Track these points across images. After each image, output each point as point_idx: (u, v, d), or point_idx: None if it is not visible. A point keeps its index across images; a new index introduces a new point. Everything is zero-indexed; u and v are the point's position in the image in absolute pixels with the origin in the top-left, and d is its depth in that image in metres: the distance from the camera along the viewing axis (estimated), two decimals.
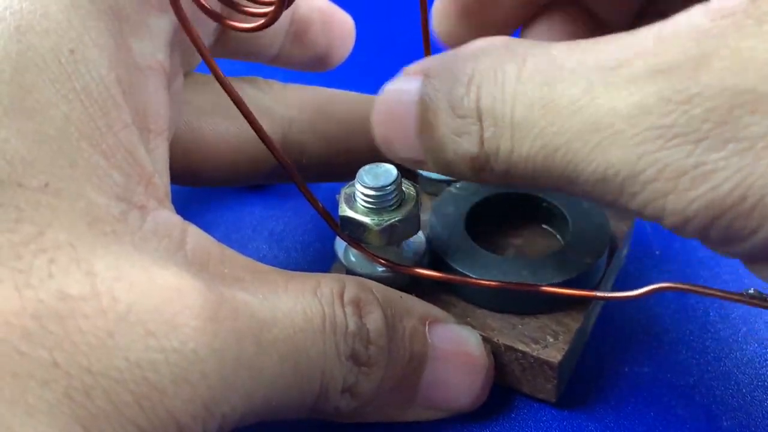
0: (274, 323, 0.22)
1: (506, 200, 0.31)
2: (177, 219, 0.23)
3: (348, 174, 0.33)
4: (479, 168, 0.22)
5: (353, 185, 0.27)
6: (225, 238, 0.36)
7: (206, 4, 0.22)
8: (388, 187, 0.27)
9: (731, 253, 0.20)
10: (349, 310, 0.24)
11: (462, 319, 0.27)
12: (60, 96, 0.21)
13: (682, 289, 0.24)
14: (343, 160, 0.32)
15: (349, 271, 0.29)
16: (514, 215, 0.31)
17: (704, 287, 0.23)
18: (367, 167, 0.27)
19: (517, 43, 0.22)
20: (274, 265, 0.25)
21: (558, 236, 0.31)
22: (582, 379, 0.29)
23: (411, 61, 0.25)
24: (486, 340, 0.27)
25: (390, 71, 0.25)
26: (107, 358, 0.19)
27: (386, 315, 0.25)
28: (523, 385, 0.27)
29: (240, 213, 0.37)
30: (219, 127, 0.30)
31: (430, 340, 0.26)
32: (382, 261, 0.27)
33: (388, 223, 0.27)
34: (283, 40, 0.32)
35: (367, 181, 0.27)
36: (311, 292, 0.23)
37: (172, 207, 0.23)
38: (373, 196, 0.27)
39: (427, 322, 0.26)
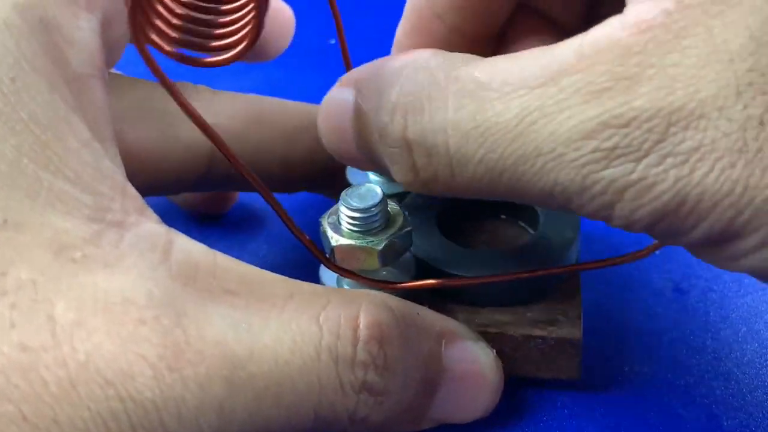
0: (250, 358, 0.21)
1: (462, 200, 0.31)
2: (161, 229, 0.22)
3: (284, 186, 0.33)
4: (419, 188, 0.23)
5: (336, 213, 0.27)
6: (223, 239, 0.36)
7: (167, 48, 0.21)
8: (376, 207, 0.26)
9: (675, 243, 0.21)
10: (365, 335, 0.22)
11: (470, 324, 0.27)
12: (7, 128, 0.21)
13: None
14: (278, 171, 0.31)
15: None
16: (473, 212, 0.31)
17: None
18: (348, 190, 0.26)
19: (441, 62, 0.22)
20: (273, 267, 0.24)
21: (519, 222, 0.31)
22: (581, 380, 0.28)
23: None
24: (501, 336, 0.27)
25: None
26: (71, 408, 0.19)
27: (405, 339, 0.23)
28: (543, 371, 0.27)
29: (239, 213, 0.37)
30: (141, 133, 0.29)
31: (444, 362, 0.25)
32: (402, 284, 0.26)
33: (387, 241, 0.26)
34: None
35: (354, 203, 0.26)
36: (312, 317, 0.22)
37: (155, 216, 0.22)
38: (361, 218, 0.26)
39: (443, 341, 0.25)
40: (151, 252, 0.21)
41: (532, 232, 0.29)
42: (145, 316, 0.20)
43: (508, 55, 0.21)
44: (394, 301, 0.24)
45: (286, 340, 0.21)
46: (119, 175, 0.22)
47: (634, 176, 0.19)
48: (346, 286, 0.28)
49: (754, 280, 0.21)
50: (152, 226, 0.22)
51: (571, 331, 0.27)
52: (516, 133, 0.20)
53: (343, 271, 0.27)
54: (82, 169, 0.21)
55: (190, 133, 0.29)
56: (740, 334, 0.30)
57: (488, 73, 0.21)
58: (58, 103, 0.21)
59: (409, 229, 0.27)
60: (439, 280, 0.27)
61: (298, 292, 0.23)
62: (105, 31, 0.25)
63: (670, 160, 0.19)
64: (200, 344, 0.20)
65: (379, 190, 0.26)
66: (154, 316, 0.20)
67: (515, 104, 0.20)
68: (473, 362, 0.26)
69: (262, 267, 0.23)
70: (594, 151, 0.20)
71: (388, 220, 0.27)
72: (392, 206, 0.27)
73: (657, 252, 0.33)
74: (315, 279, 0.28)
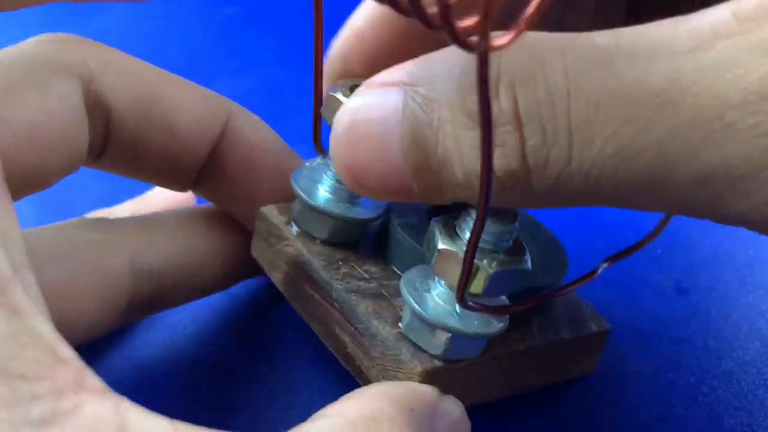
0: None
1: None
2: (107, 410, 0.15)
3: (168, 179, 0.27)
4: (511, 187, 0.18)
5: (468, 236, 0.21)
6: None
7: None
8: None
9: None
10: None
11: (517, 345, 0.24)
12: None
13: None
14: (159, 150, 0.26)
15: (458, 338, 0.22)
16: None
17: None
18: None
19: (541, 35, 0.18)
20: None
21: None
22: (583, 379, 0.28)
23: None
24: (535, 349, 0.25)
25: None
26: None
27: None
28: (568, 373, 0.27)
29: None
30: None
31: None
32: (523, 305, 0.23)
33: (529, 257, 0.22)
34: None
35: (507, 223, 0.22)
36: None
37: (97, 382, 0.15)
38: (509, 237, 0.22)
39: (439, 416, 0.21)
40: None
41: None
42: None
43: (628, 28, 0.18)
44: (393, 407, 0.19)
45: None
46: (45, 329, 0.15)
47: None
48: (476, 321, 0.22)
49: (755, 278, 0.21)
50: (95, 408, 0.15)
51: (599, 324, 0.26)
52: (665, 98, 0.16)
53: (484, 307, 0.22)
54: None
55: None
56: (742, 333, 0.30)
57: (612, 41, 0.17)
58: None
59: None
60: (537, 297, 0.24)
61: None
62: None
63: None
64: None
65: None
66: None
67: (661, 67, 0.17)
68: (458, 416, 0.22)
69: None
70: None
71: None
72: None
73: (658, 250, 0.34)
74: None
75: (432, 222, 0.22)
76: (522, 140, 0.18)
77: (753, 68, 0.16)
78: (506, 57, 0.18)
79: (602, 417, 0.27)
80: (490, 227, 0.21)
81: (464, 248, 0.21)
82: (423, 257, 0.23)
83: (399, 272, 0.25)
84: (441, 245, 0.21)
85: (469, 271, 0.20)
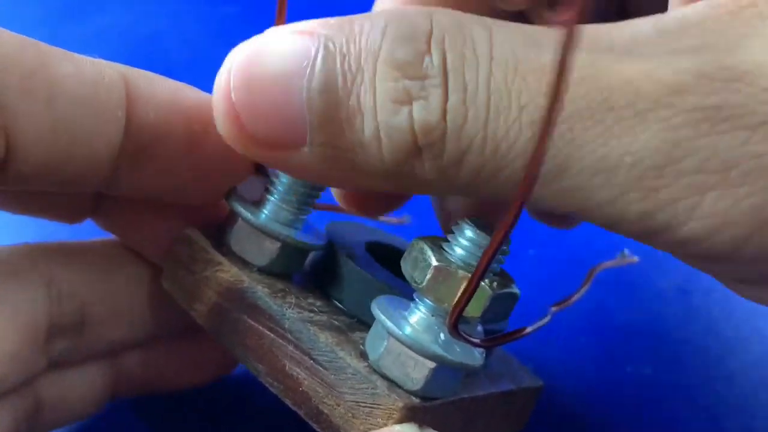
0: None
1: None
2: None
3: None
4: (422, 147, 0.17)
5: (467, 257, 0.19)
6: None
7: None
8: None
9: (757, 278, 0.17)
10: None
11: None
12: None
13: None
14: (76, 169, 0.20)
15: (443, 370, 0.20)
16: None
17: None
18: (463, 226, 0.20)
19: (470, 15, 0.18)
20: None
21: None
22: (584, 380, 0.28)
23: None
24: (477, 400, 0.22)
25: None
26: None
27: None
28: (504, 427, 0.25)
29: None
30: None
31: None
32: (524, 333, 0.20)
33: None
34: None
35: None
36: None
37: None
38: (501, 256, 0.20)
39: None
40: None
41: None
42: None
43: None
44: None
45: None
46: None
47: (748, 149, 0.16)
48: (458, 348, 0.20)
49: None
50: None
51: (535, 380, 0.25)
52: (581, 75, 0.16)
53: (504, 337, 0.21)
54: None
55: None
56: (743, 335, 0.30)
57: (537, 29, 0.18)
58: None
59: None
60: (514, 332, 0.21)
61: None
62: None
63: None
64: None
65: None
66: None
67: (580, 54, 0.16)
68: None
69: None
70: (693, 108, 0.16)
71: None
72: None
73: (659, 252, 0.34)
74: None
75: (415, 240, 0.20)
76: (445, 94, 0.17)
77: (666, 64, 0.16)
78: (438, 19, 0.18)
79: (603, 416, 0.27)
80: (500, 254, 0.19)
81: (457, 266, 0.19)
82: (375, 288, 0.22)
83: (343, 307, 0.23)
84: (435, 262, 0.19)
85: (474, 288, 0.18)
